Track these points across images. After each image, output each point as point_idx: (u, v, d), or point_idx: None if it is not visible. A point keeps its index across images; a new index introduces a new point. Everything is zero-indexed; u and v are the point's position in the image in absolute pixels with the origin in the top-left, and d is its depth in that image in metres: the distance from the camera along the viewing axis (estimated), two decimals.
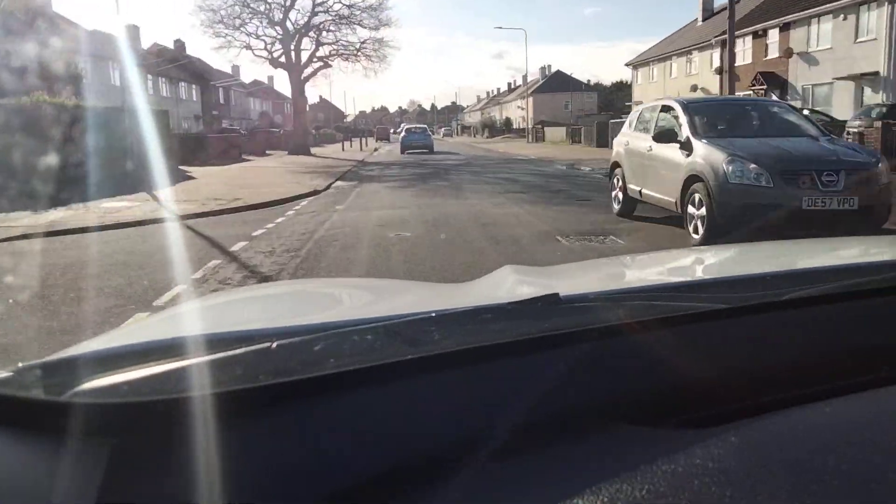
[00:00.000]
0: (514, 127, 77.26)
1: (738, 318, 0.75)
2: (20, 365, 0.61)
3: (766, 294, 0.80)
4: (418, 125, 40.94)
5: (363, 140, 48.00)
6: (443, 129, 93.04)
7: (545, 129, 45.81)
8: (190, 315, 1.14)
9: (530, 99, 76.50)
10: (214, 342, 0.70)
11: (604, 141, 29.90)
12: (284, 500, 0.49)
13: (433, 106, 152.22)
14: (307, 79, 33.34)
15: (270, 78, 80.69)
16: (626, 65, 41.77)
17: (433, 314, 0.73)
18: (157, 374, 0.57)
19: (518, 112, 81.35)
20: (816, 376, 0.67)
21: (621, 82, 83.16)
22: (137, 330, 1.08)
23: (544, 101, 74.76)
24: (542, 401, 0.59)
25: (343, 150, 38.94)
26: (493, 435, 0.55)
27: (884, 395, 0.62)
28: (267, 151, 34.76)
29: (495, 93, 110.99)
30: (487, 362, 0.62)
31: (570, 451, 0.55)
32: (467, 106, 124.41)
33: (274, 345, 0.61)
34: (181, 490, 0.48)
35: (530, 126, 54.52)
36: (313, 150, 40.23)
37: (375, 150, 41.79)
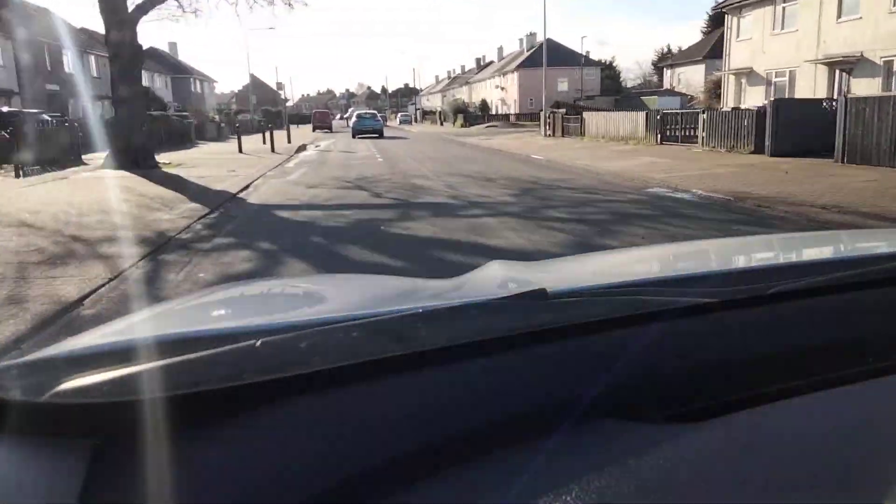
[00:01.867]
0: (494, 112, 60.47)
1: (725, 312, 0.75)
2: None
3: (752, 288, 0.79)
4: (368, 111, 40.49)
5: (286, 131, 30.74)
6: (400, 116, 75.75)
7: (583, 115, 28.30)
8: (172, 314, 1.13)
9: (514, 75, 59.84)
10: (198, 340, 0.69)
11: (826, 145, 12.99)
12: (272, 499, 0.48)
13: (384, 89, 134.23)
14: (144, 6, 15.82)
15: (173, 45, 61.93)
16: (717, 8, 25.43)
17: (420, 310, 0.72)
18: (138, 374, 0.56)
19: (496, 93, 64.63)
20: (804, 369, 0.68)
21: (601, 62, 67.28)
22: (118, 329, 0.99)
23: (532, 78, 58.34)
24: (530, 396, 0.59)
25: (240, 151, 21.70)
26: (481, 431, 0.55)
27: (871, 388, 0.62)
28: (85, 158, 17.50)
29: (459, 71, 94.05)
30: (474, 358, 0.62)
31: (558, 445, 0.55)
32: (424, 88, 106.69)
33: (258, 343, 0.60)
34: (165, 491, 0.47)
35: (541, 112, 37.65)
36: (183, 152, 22.90)
37: (301, 149, 24.57)
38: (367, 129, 33.23)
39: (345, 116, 79.35)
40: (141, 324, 1.02)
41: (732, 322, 0.74)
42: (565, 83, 58.36)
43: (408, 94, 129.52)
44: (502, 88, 62.79)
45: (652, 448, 0.51)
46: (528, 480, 0.50)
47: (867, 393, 0.62)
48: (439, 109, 67.04)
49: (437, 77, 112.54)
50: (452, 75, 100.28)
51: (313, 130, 49.82)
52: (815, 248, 1.41)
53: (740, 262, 1.25)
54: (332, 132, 49.08)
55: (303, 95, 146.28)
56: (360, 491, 0.49)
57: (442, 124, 60.97)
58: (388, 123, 72.13)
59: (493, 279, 1.09)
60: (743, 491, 0.46)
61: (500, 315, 0.73)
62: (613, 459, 0.50)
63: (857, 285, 0.82)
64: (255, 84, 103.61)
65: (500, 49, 73.65)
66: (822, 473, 0.48)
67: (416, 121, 75.89)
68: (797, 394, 0.61)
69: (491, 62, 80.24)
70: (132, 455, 0.49)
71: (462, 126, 52.35)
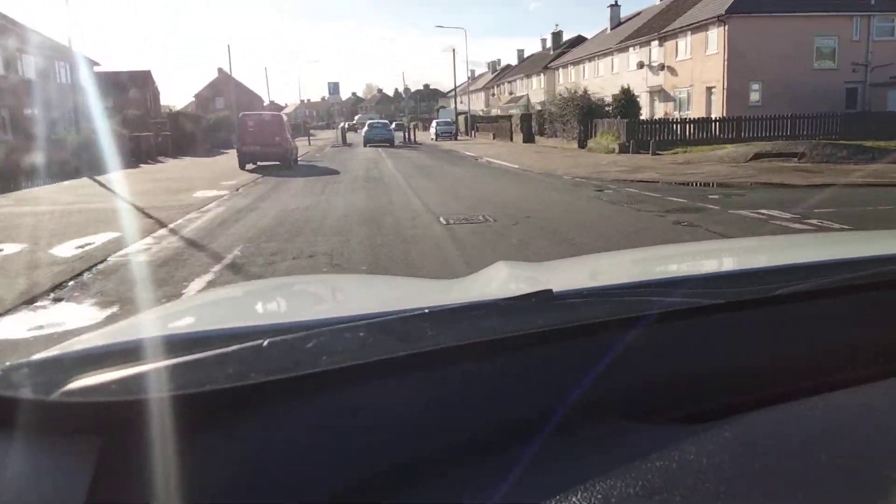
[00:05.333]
0: (664, 116, 28.61)
1: (731, 314, 0.75)
2: (7, 364, 0.60)
3: (758, 289, 0.79)
4: (379, 119, 40.28)
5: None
6: (436, 125, 43.88)
7: None
8: (180, 313, 1.13)
9: (713, 34, 27.72)
10: (205, 340, 0.70)
11: None
12: (278, 498, 0.49)
13: (398, 92, 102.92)
14: None
15: None
16: None
17: (426, 310, 0.72)
18: (146, 373, 0.56)
19: (639, 78, 32.99)
20: (809, 371, 0.68)
21: None
22: (126, 328, 1.00)
23: (758, 36, 26.86)
24: (537, 396, 0.59)
25: None
26: (488, 430, 0.55)
27: (876, 390, 0.62)
28: None
29: (514, 61, 62.81)
30: (480, 359, 0.62)
31: (564, 446, 0.55)
32: (449, 90, 74.35)
33: (266, 342, 0.60)
34: (172, 489, 0.48)
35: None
36: None
37: None
38: (378, 139, 33.72)
39: (342, 124, 48.26)
40: (149, 323, 1.01)
41: (739, 323, 0.74)
42: (829, 51, 26.56)
43: (429, 96, 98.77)
44: (664, 67, 31.16)
45: (658, 449, 0.51)
46: (535, 480, 0.50)
47: (875, 395, 0.61)
48: (528, 112, 35.29)
49: (472, 72, 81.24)
50: (498, 68, 69.34)
51: (242, 166, 18.15)
52: (821, 250, 1.37)
53: (746, 263, 1.22)
54: (291, 171, 17.49)
55: (303, 101, 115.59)
56: (368, 490, 0.49)
57: (532, 140, 29.41)
58: (417, 140, 40.59)
59: (500, 279, 1.06)
60: (749, 493, 0.46)
61: (507, 315, 0.72)
62: (620, 460, 0.50)
63: (864, 287, 0.81)
64: (225, 81, 73.09)
65: (615, 6, 41.89)
66: (829, 475, 0.47)
67: (467, 133, 44.35)
68: (804, 395, 0.59)
69: (579, 38, 49.04)
70: (140, 453, 0.49)
71: (637, 152, 20.73)
